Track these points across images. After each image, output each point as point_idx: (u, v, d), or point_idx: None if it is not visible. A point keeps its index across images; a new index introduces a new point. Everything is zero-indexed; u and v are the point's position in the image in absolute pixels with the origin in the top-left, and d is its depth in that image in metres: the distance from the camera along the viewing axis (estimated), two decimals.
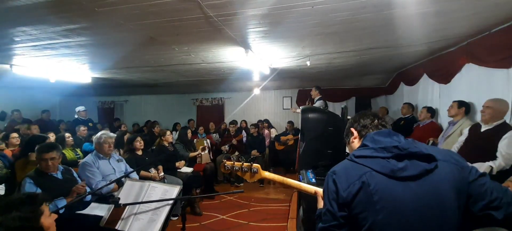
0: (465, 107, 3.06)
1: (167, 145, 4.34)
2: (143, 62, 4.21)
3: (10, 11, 2.07)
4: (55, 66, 4.19)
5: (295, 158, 4.71)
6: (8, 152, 3.49)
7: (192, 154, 4.83)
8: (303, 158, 2.76)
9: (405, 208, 0.89)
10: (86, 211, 2.32)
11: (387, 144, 0.97)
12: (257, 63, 3.77)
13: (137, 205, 1.86)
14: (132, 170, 3.01)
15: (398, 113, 5.08)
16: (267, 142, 6.36)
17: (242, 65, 4.21)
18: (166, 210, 1.81)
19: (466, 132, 2.78)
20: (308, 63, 3.93)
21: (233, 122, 6.32)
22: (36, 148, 2.41)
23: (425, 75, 4.24)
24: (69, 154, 3.83)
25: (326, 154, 2.61)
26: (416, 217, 0.88)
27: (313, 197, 1.28)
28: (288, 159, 5.83)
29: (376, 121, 1.10)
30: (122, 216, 1.84)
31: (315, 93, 4.84)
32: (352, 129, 1.16)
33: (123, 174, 2.90)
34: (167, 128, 5.67)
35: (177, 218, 3.51)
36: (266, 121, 7.16)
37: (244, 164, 1.42)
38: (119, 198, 1.82)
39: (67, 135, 4.12)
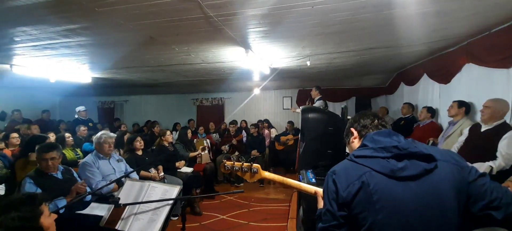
0: (465, 107, 3.06)
1: (167, 145, 4.34)
2: (143, 62, 4.21)
3: (10, 11, 2.07)
4: (55, 66, 4.19)
5: (295, 158, 4.71)
6: (8, 152, 3.49)
7: (192, 154, 4.83)
8: (303, 158, 2.76)
9: (405, 208, 0.89)
10: (86, 211, 2.32)
11: (387, 144, 0.97)
12: (257, 63, 3.77)
13: (137, 205, 1.86)
14: (132, 170, 3.01)
15: (398, 113, 5.08)
16: (267, 142, 6.36)
17: (242, 65, 4.21)
18: (166, 210, 1.81)
19: (466, 132, 2.78)
20: (308, 63, 3.93)
21: (233, 122, 6.32)
22: (36, 148, 2.41)
23: (425, 75, 4.24)
24: (69, 154, 3.83)
25: (326, 154, 2.60)
26: (416, 217, 0.88)
27: (313, 197, 1.28)
28: (288, 159, 5.82)
29: (376, 121, 1.11)
30: (122, 216, 1.84)
31: (315, 93, 4.84)
32: (352, 129, 1.16)
33: (123, 174, 2.90)
34: (167, 128, 5.66)
35: (177, 218, 3.51)
36: (266, 121, 7.17)
37: (244, 164, 1.42)
38: (119, 198, 1.82)
39: (67, 135, 4.11)
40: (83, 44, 3.03)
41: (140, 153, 3.71)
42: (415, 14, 2.25)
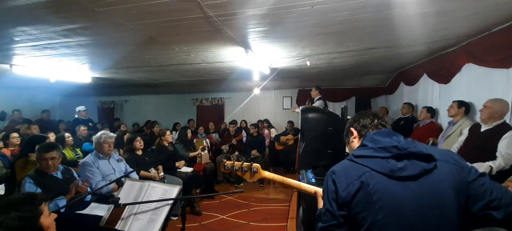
0: (465, 107, 3.06)
1: (167, 144, 4.34)
2: (143, 62, 4.21)
3: (10, 11, 2.07)
4: (55, 66, 4.19)
5: (295, 158, 4.72)
6: (7, 152, 3.49)
7: (192, 154, 4.83)
8: (303, 158, 2.76)
9: (405, 208, 0.89)
10: (86, 211, 2.31)
11: (387, 143, 0.97)
12: (257, 63, 3.77)
13: (137, 205, 1.86)
14: (132, 170, 3.00)
15: (398, 113, 5.08)
16: (267, 141, 6.36)
17: (242, 65, 4.21)
18: (166, 210, 1.81)
19: (466, 132, 2.78)
20: (308, 63, 3.93)
21: (233, 122, 6.32)
22: (36, 148, 2.40)
23: (425, 75, 4.24)
24: (69, 153, 3.84)
25: (326, 154, 2.60)
26: (416, 217, 0.88)
27: (313, 197, 1.28)
28: (288, 159, 5.82)
29: (376, 120, 1.11)
30: (122, 216, 1.84)
31: (315, 93, 4.84)
32: (352, 129, 1.16)
33: (123, 174, 2.90)
34: (167, 128, 5.67)
35: (177, 218, 3.51)
36: (266, 120, 7.17)
37: (244, 163, 1.42)
38: (119, 198, 1.82)
39: (67, 134, 4.12)
40: (83, 44, 3.03)
41: (140, 153, 3.71)
42: (415, 14, 2.25)
